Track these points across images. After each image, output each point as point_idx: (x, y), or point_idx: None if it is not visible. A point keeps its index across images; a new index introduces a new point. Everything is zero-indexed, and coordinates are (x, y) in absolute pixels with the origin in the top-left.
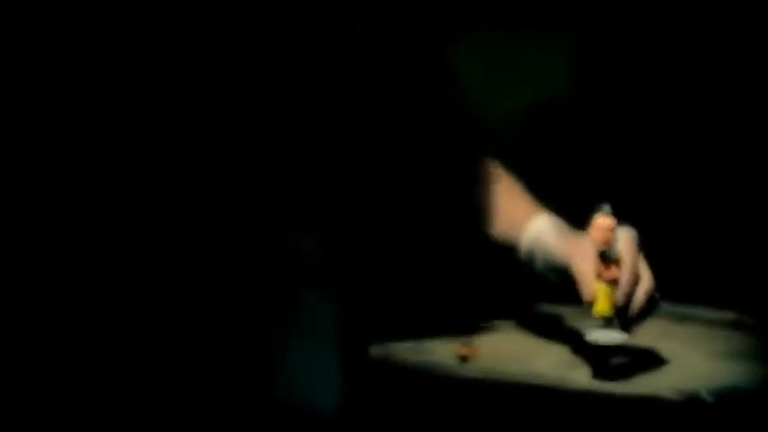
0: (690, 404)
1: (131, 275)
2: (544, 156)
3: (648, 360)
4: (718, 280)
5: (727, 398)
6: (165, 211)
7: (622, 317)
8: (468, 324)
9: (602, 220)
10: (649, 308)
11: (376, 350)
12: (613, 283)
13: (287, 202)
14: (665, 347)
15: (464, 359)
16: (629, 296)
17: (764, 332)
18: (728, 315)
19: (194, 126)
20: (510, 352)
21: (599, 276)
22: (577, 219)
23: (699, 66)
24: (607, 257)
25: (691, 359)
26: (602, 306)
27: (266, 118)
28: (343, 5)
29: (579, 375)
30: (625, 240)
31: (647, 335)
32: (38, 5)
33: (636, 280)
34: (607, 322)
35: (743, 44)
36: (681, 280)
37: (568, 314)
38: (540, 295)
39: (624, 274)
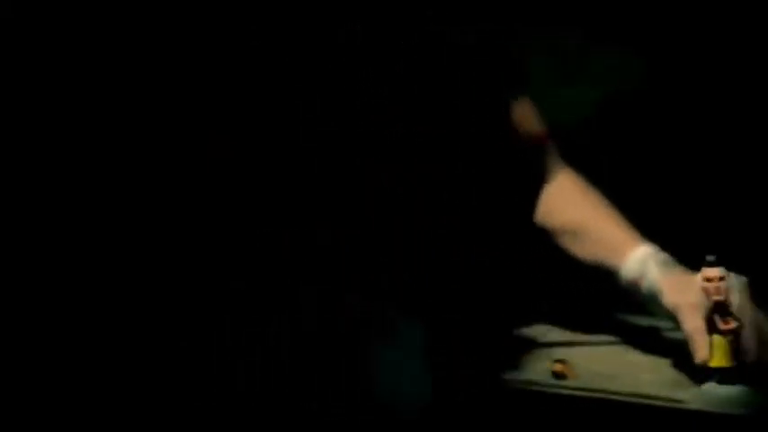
0: None
1: (134, 274)
2: (614, 156)
3: None
4: None
5: None
6: (167, 209)
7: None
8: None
9: (711, 272)
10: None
11: (470, 364)
12: (730, 334)
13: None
14: None
15: (559, 375)
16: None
17: None
18: None
19: (194, 125)
20: (607, 368)
21: (714, 329)
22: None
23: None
24: (722, 309)
25: None
26: (720, 359)
27: (265, 117)
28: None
29: (685, 395)
30: (741, 291)
31: None
32: (38, 5)
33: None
34: (725, 374)
35: None
36: None
37: (662, 328)
38: (631, 308)
39: (747, 329)
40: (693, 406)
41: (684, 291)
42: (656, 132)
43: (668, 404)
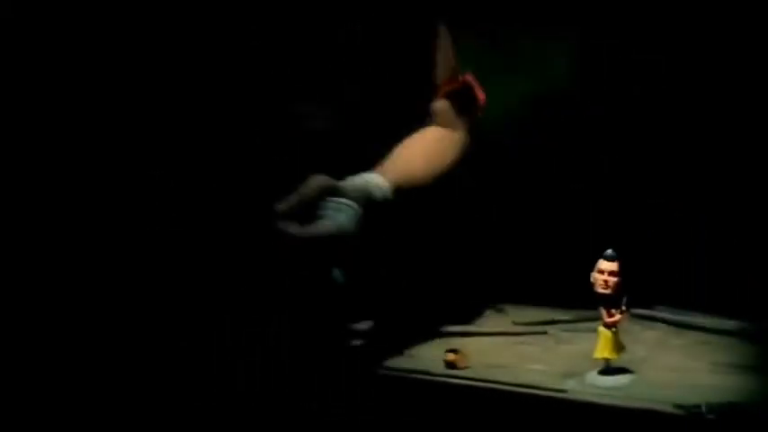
0: (690, 420)
1: (132, 273)
2: (548, 148)
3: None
4: (718, 287)
5: (728, 414)
6: (166, 209)
7: None
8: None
9: (605, 265)
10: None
11: (364, 354)
12: (614, 326)
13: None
14: (663, 359)
15: (451, 365)
16: None
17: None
18: (729, 324)
19: (190, 122)
20: (498, 359)
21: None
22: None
23: (706, 61)
24: (607, 302)
25: (691, 371)
26: (602, 350)
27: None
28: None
29: (573, 386)
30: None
31: (644, 345)
32: (38, 5)
33: None
34: (608, 365)
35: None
36: (680, 286)
37: (554, 320)
38: (529, 300)
39: None
40: (577, 396)
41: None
42: (589, 123)
43: (552, 394)
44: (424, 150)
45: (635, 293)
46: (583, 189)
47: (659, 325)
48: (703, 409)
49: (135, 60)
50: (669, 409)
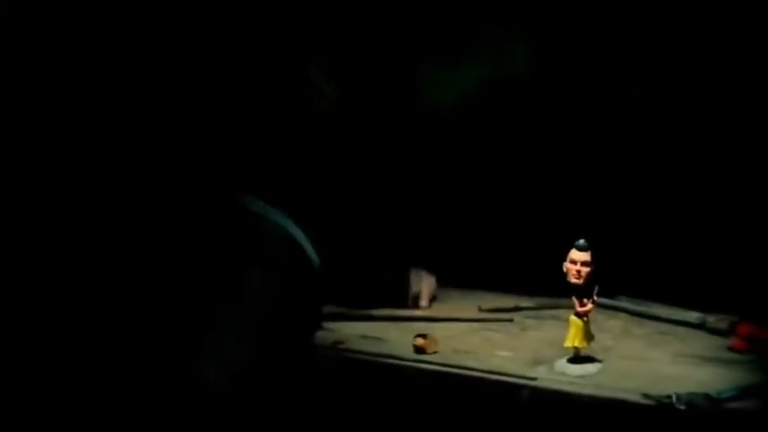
0: (660, 410)
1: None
2: (501, 133)
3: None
4: (679, 278)
5: (697, 405)
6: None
7: None
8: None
9: (576, 255)
10: None
11: (326, 335)
12: (585, 316)
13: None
14: (627, 348)
15: (420, 350)
16: None
17: (729, 334)
18: (687, 315)
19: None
20: (465, 345)
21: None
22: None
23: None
24: (579, 292)
25: (655, 361)
26: (573, 339)
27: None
28: None
29: (540, 373)
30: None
31: (609, 334)
32: (38, 5)
33: None
34: (577, 353)
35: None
36: (642, 277)
37: (522, 307)
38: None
39: None
40: (546, 384)
41: None
42: (544, 112)
43: (523, 381)
44: None
45: (598, 283)
46: (550, 179)
47: (621, 315)
48: (674, 399)
49: (135, 59)
50: (637, 398)
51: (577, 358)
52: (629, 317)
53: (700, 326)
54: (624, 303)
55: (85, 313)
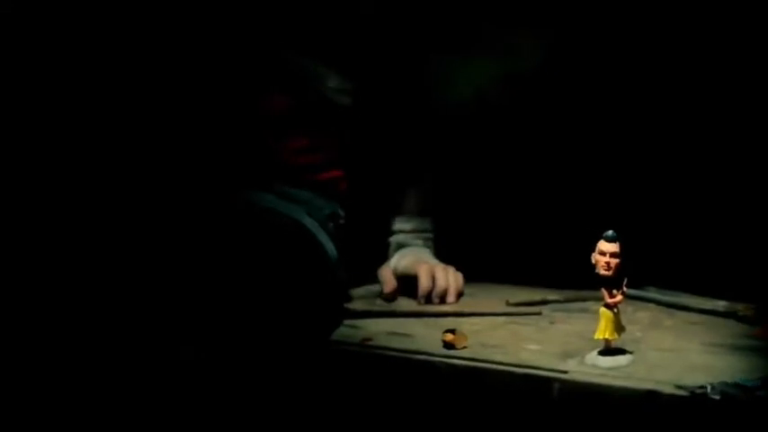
0: (694, 400)
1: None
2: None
3: None
4: (709, 268)
5: (731, 394)
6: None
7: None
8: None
9: (606, 246)
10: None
11: (353, 333)
12: (616, 307)
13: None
14: (657, 338)
15: (449, 345)
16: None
17: (758, 322)
18: (720, 304)
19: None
20: (493, 339)
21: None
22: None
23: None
24: (608, 283)
25: (685, 351)
26: (604, 331)
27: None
28: None
29: (570, 366)
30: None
31: (638, 325)
32: (38, 2)
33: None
34: (607, 345)
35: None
36: (672, 268)
37: (549, 300)
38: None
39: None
40: (578, 377)
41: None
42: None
43: (554, 374)
44: None
45: (626, 274)
46: (574, 173)
47: (651, 306)
48: (708, 390)
49: (136, 56)
50: (671, 389)
51: (608, 350)
52: (658, 307)
53: (728, 314)
54: (653, 294)
55: (88, 306)
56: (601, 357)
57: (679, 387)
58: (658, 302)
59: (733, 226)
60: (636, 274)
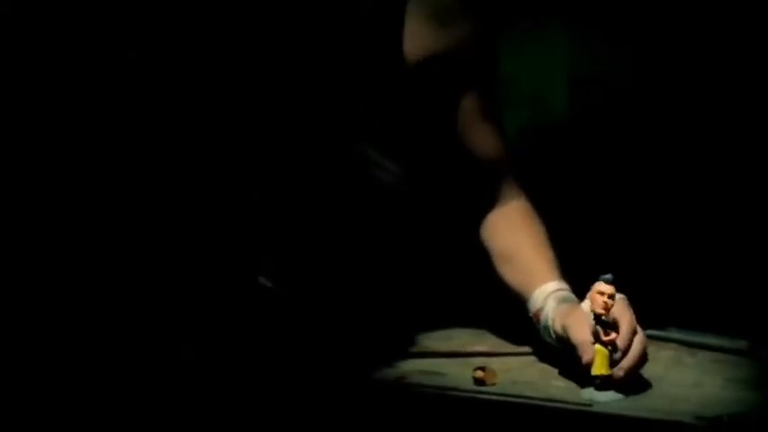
0: (712, 430)
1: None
2: (543, 178)
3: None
4: (726, 307)
5: (749, 424)
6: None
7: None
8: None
9: (603, 287)
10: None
11: (387, 372)
12: (610, 345)
13: None
14: (679, 376)
15: (480, 382)
16: (626, 352)
17: None
18: (740, 343)
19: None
20: (521, 376)
21: (598, 340)
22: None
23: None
24: (605, 322)
25: (707, 387)
26: (599, 368)
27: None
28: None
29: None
30: (620, 305)
31: (660, 363)
32: (38, 1)
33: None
34: (604, 382)
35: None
36: (691, 307)
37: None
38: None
39: (622, 335)
40: (603, 409)
41: (572, 313)
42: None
43: (579, 407)
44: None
45: (646, 315)
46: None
47: (672, 345)
48: (725, 419)
49: (137, 56)
50: (690, 420)
51: (604, 386)
52: (680, 347)
53: (749, 352)
54: (674, 334)
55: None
56: (597, 393)
57: (699, 418)
58: (680, 342)
59: (754, 264)
60: (658, 313)
